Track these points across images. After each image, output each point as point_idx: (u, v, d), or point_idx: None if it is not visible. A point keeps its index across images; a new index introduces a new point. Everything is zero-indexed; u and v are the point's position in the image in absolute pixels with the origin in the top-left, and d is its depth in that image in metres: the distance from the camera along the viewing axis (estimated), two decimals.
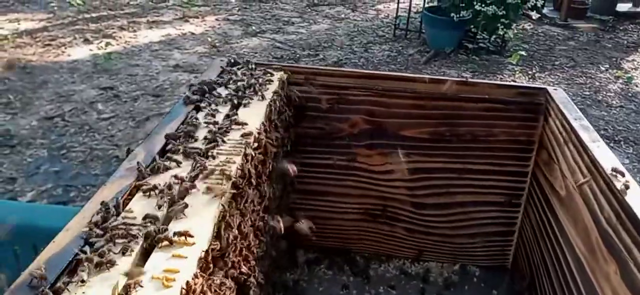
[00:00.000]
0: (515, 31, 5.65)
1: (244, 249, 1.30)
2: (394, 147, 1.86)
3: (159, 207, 1.03)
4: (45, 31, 5.87)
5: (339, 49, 5.70)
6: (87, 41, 5.64)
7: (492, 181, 1.87)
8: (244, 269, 1.29)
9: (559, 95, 1.72)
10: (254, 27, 6.29)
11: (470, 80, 1.81)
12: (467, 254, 2.00)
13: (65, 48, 5.43)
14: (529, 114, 1.78)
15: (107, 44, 5.46)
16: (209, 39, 5.84)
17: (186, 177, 1.13)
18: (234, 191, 1.17)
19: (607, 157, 1.37)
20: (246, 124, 1.38)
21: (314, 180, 1.92)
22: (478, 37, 5.60)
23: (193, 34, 6.02)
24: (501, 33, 5.37)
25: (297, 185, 1.88)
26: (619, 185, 1.24)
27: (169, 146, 1.27)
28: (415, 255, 2.03)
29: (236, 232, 1.20)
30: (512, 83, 1.76)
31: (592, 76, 5.27)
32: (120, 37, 5.80)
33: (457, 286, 1.95)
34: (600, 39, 6.49)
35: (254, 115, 1.44)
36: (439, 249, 1.99)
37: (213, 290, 1.02)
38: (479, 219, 1.93)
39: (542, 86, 1.79)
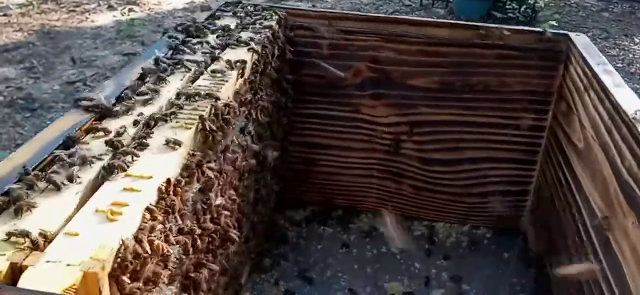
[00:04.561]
0: (547, 1, 5.42)
1: (226, 188, 1.20)
2: (400, 97, 1.73)
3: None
4: None
5: None
6: (111, 7, 5.64)
7: (506, 136, 1.73)
8: (226, 219, 1.19)
9: (582, 40, 1.57)
10: None
11: (483, 24, 1.67)
12: (478, 214, 1.87)
13: (90, 14, 5.45)
14: (548, 62, 1.63)
15: (131, 10, 5.46)
16: None
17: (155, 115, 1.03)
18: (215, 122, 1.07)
19: (630, 101, 1.22)
20: (235, 61, 1.27)
21: (314, 132, 1.81)
22: (507, 6, 5.40)
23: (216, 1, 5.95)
24: (532, 3, 5.17)
25: (296, 137, 1.78)
26: None
27: (146, 80, 1.18)
28: (422, 215, 1.91)
29: (214, 171, 1.09)
30: (531, 28, 1.61)
31: (626, 48, 5.03)
32: (143, 4, 5.79)
33: (465, 249, 1.82)
34: (635, 10, 6.19)
35: (244, 54, 1.34)
36: (447, 208, 1.87)
37: (175, 239, 0.91)
38: (491, 176, 1.80)
39: (564, 32, 1.64)
